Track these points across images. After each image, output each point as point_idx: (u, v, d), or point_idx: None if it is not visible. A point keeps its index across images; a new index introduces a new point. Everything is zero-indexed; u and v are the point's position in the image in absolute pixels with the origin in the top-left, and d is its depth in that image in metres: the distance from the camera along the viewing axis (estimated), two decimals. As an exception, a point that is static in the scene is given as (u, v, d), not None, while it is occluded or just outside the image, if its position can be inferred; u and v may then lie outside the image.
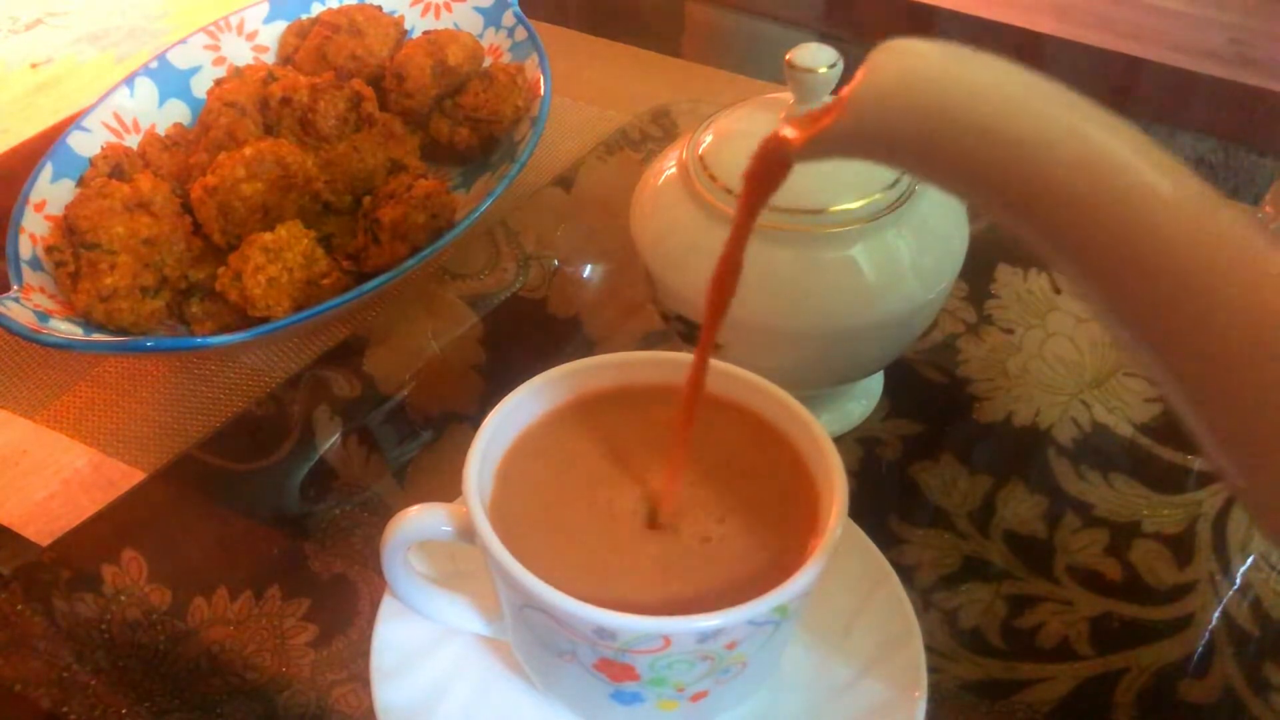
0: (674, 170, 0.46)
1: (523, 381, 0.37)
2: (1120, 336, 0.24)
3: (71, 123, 0.59)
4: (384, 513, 0.42)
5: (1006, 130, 0.23)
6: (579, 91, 0.71)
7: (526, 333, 0.57)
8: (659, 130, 0.69)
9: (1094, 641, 0.42)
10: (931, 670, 0.38)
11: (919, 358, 0.53)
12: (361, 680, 0.40)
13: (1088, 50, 0.76)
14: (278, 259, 0.51)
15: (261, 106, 0.59)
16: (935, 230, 0.45)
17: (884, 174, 0.45)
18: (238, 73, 0.64)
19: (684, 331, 0.46)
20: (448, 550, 0.39)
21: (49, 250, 0.53)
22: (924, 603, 0.43)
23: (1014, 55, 0.23)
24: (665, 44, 0.78)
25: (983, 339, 0.54)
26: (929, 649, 0.38)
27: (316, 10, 0.67)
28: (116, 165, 0.58)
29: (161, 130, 0.62)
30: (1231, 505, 0.47)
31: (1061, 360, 0.53)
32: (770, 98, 0.47)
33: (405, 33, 0.66)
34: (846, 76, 0.44)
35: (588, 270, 0.61)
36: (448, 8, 0.67)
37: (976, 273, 0.55)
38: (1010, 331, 0.55)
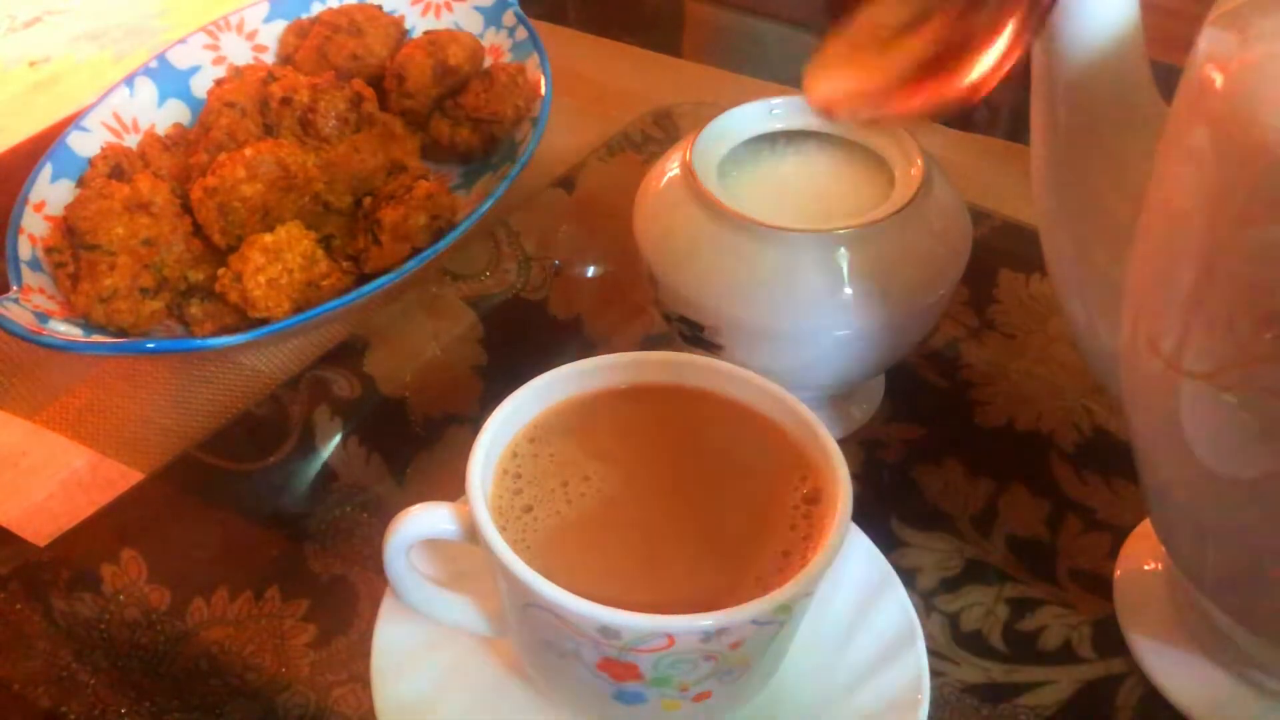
0: (677, 172, 0.46)
1: (524, 383, 0.37)
2: None
3: (71, 123, 0.59)
4: (384, 513, 0.42)
5: None
6: (580, 92, 0.71)
7: (527, 334, 0.56)
8: (661, 132, 0.68)
9: (1096, 645, 0.42)
10: (933, 673, 0.38)
11: (921, 361, 0.53)
12: (361, 681, 0.40)
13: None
14: (278, 260, 0.51)
15: (261, 107, 0.58)
16: (939, 234, 0.45)
17: (889, 177, 0.45)
18: (238, 73, 0.63)
19: (686, 333, 0.46)
20: (449, 550, 0.38)
21: (48, 251, 0.53)
22: (926, 606, 0.43)
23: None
24: (666, 44, 0.78)
25: (985, 343, 0.54)
26: (931, 652, 0.38)
27: (316, 10, 0.66)
28: (116, 165, 0.57)
29: (161, 130, 0.61)
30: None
31: (1063, 365, 0.53)
32: (771, 99, 0.47)
33: (405, 33, 0.66)
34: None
35: (589, 271, 0.61)
36: (448, 7, 0.67)
37: (979, 277, 0.55)
38: (1012, 336, 0.55)
